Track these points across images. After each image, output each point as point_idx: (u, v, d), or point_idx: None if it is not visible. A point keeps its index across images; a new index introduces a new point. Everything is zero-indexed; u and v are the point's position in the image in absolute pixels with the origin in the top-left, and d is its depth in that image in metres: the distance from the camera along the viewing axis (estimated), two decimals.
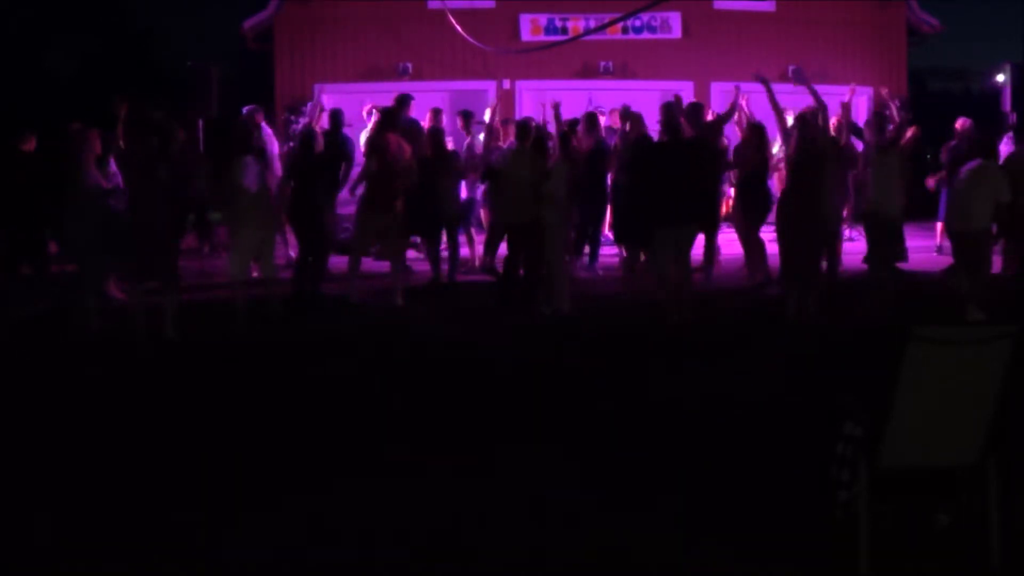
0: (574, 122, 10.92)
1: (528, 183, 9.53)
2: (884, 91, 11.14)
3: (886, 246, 9.59)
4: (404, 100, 11.40)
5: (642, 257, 10.56)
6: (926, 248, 12.19)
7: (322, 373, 7.38)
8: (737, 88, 11.06)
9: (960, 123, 11.86)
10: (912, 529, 4.24)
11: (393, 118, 10.08)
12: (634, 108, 11.47)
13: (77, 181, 8.77)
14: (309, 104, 11.42)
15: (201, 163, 11.52)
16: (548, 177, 9.50)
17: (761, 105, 10.15)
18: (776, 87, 9.42)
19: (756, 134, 10.58)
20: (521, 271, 9.84)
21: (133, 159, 8.42)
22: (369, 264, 10.47)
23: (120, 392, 6.92)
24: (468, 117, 12.22)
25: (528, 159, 9.69)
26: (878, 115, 10.53)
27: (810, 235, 8.81)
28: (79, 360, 7.83)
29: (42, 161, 9.78)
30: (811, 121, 9.05)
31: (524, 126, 10.09)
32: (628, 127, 11.05)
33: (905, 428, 3.76)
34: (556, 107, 9.81)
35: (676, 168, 8.84)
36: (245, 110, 11.79)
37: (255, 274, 9.52)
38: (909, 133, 10.53)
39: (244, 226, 8.88)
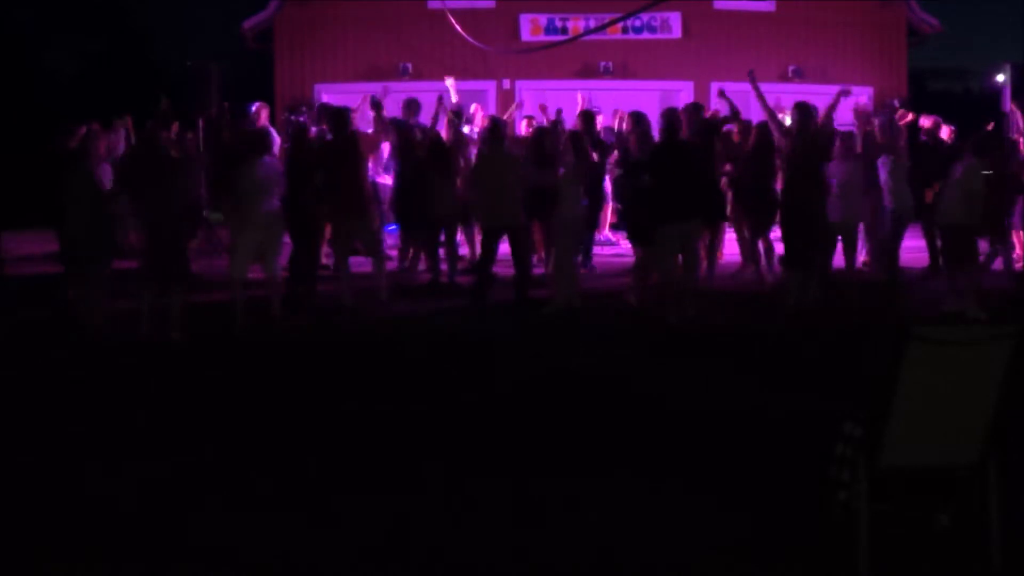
0: (556, 122, 10.95)
1: (507, 184, 9.50)
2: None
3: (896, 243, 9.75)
4: (412, 105, 11.46)
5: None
6: (922, 248, 12.16)
7: (319, 373, 7.39)
8: (722, 91, 11.16)
9: (927, 123, 11.85)
10: (912, 529, 4.24)
11: (343, 121, 9.79)
12: (634, 108, 11.47)
13: (84, 182, 8.75)
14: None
15: (200, 163, 11.53)
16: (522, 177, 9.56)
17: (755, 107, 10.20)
18: (777, 86, 9.48)
19: (762, 136, 10.55)
20: (513, 271, 9.84)
21: (150, 161, 8.44)
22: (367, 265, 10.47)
23: (124, 393, 6.92)
24: (457, 115, 12.21)
25: (504, 160, 9.67)
26: (890, 119, 10.64)
27: (809, 226, 8.82)
28: (84, 361, 7.82)
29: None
30: (810, 113, 9.10)
31: (495, 125, 10.02)
32: (626, 129, 11.07)
33: (905, 428, 3.76)
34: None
35: (679, 165, 8.90)
36: (253, 107, 11.84)
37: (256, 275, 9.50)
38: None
39: (247, 227, 8.84)
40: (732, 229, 11.66)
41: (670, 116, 9.11)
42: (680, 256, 8.96)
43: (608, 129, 12.60)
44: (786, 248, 9.08)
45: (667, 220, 8.85)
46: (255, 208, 8.72)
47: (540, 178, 9.88)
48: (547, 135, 10.54)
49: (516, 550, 4.22)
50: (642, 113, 10.67)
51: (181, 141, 11.78)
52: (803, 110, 9.11)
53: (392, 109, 11.92)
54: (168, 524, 4.55)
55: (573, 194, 9.41)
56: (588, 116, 11.37)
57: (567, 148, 9.76)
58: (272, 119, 12.70)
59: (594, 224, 11.70)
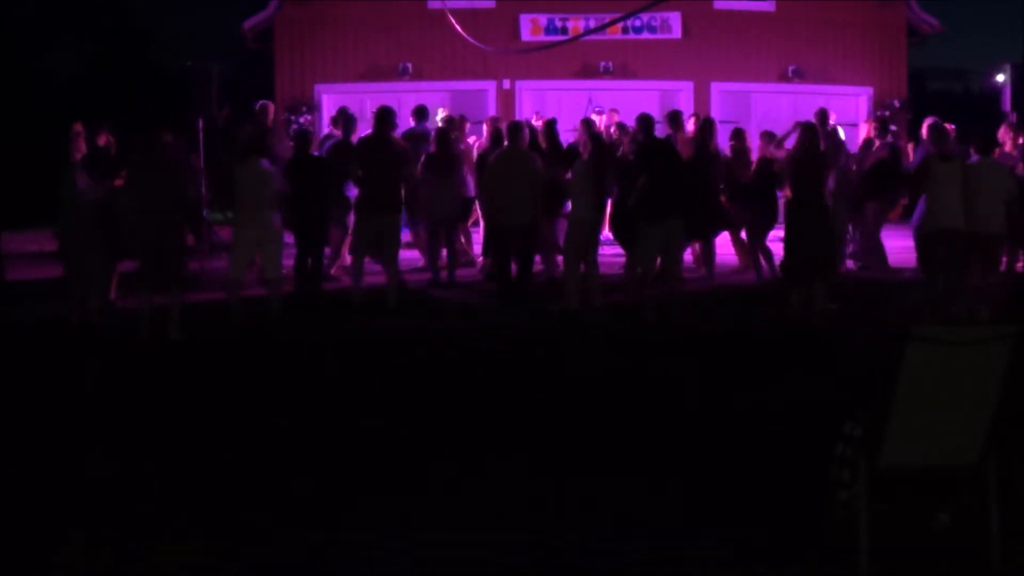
0: (550, 121, 10.95)
1: (523, 184, 9.50)
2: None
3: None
4: (421, 111, 11.55)
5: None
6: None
7: (317, 374, 7.39)
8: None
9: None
10: (912, 529, 4.24)
11: (387, 121, 9.89)
12: (634, 108, 11.47)
13: (73, 182, 8.74)
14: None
15: (193, 162, 11.53)
16: (540, 178, 9.53)
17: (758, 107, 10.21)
18: (777, 86, 9.50)
19: (766, 142, 10.60)
20: (515, 269, 9.83)
21: (140, 163, 8.44)
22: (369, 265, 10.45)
23: (122, 393, 6.92)
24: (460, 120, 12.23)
25: (521, 159, 9.67)
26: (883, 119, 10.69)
27: (813, 233, 8.82)
28: (83, 360, 7.83)
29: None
30: (813, 125, 9.15)
31: (515, 126, 10.02)
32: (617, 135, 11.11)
33: (905, 428, 3.76)
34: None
35: (664, 165, 8.94)
36: (258, 105, 11.89)
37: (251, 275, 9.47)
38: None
39: (244, 227, 8.84)
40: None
41: (645, 119, 9.25)
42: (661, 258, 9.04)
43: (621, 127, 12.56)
44: (785, 257, 9.08)
45: (650, 219, 8.91)
46: (253, 208, 8.72)
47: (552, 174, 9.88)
48: (551, 131, 10.53)
49: (521, 545, 4.24)
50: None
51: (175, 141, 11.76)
52: (806, 128, 9.16)
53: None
54: (167, 524, 4.55)
55: (583, 193, 9.40)
56: (588, 124, 11.36)
57: (584, 147, 9.73)
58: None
59: (598, 227, 11.68)
